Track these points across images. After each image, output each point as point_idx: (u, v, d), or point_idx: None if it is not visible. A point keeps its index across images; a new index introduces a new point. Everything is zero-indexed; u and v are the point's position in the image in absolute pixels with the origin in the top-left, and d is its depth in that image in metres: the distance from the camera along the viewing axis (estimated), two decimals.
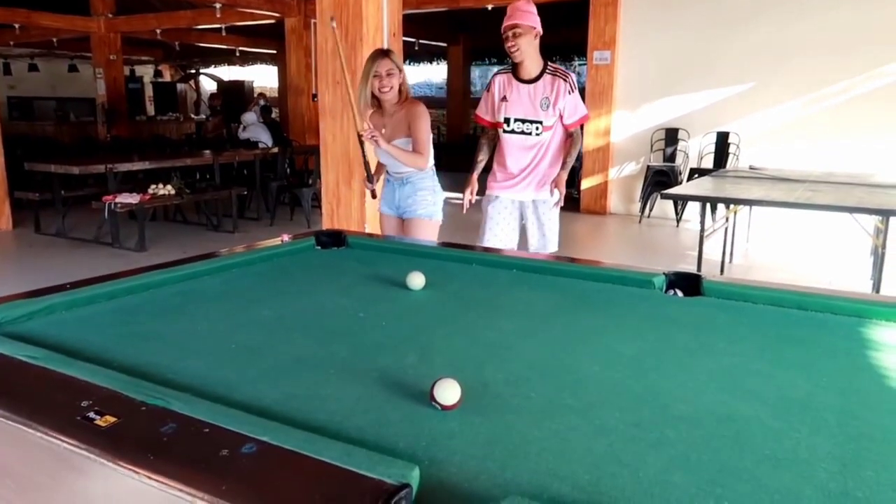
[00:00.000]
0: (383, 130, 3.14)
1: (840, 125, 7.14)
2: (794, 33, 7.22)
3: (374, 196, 3.36)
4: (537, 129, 3.27)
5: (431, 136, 3.20)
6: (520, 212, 3.41)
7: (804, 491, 0.87)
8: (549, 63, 3.27)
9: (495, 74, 3.39)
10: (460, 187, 3.39)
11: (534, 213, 3.37)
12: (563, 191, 3.23)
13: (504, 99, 3.31)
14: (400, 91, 3.15)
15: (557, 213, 3.41)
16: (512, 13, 3.13)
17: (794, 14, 7.18)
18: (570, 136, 3.32)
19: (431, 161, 3.22)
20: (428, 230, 3.26)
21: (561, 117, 3.26)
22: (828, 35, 7.06)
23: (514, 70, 3.28)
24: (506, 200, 3.39)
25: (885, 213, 3.69)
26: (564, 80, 3.21)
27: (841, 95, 7.15)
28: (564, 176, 3.25)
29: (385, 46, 3.94)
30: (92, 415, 1.01)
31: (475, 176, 3.39)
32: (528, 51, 3.15)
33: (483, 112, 3.44)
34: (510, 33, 3.12)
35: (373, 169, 3.35)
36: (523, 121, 3.28)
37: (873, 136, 6.98)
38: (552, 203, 3.31)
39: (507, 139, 3.34)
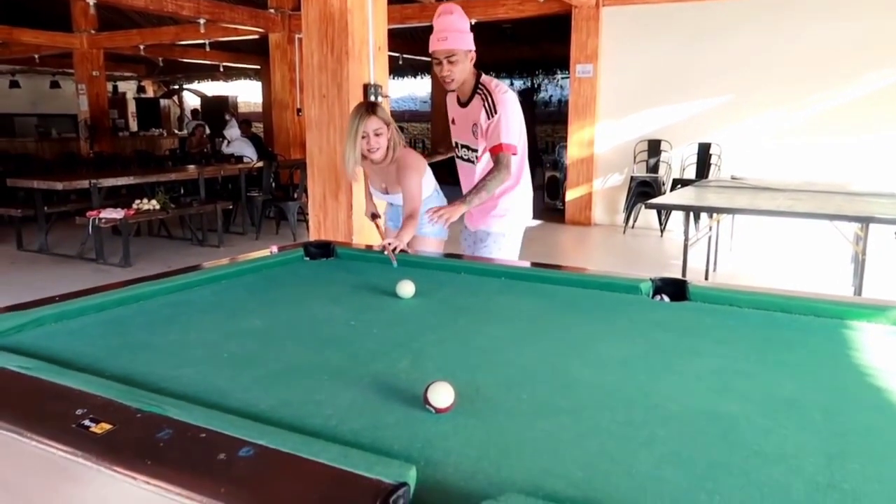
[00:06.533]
0: (383, 185, 2.95)
1: (819, 135, 7.27)
2: (772, 45, 7.36)
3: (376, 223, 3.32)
4: (474, 156, 2.83)
5: (422, 183, 2.83)
6: (475, 241, 2.96)
7: (793, 484, 0.89)
8: (482, 80, 2.74)
9: (448, 92, 2.90)
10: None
11: (478, 243, 2.91)
12: (444, 220, 2.49)
13: (453, 122, 2.95)
14: (390, 146, 2.79)
15: (501, 247, 2.86)
16: (444, 32, 2.61)
17: (773, 26, 7.32)
18: (495, 163, 2.65)
19: (429, 191, 2.98)
20: (433, 246, 3.09)
21: None
22: (806, 46, 7.20)
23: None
24: (466, 232, 3.03)
25: (863, 220, 3.76)
26: (485, 99, 2.68)
27: (819, 105, 7.28)
28: (459, 208, 2.53)
29: (371, 63, 3.95)
30: (87, 423, 1.01)
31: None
32: (462, 76, 2.68)
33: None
34: (445, 60, 2.62)
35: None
36: (466, 147, 2.89)
37: (851, 145, 7.12)
38: (496, 234, 2.84)
39: (458, 165, 2.98)
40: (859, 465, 0.95)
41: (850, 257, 5.45)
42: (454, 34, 2.62)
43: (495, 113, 2.65)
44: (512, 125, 2.67)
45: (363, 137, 2.71)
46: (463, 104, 2.82)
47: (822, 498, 0.86)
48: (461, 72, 2.66)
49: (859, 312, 1.65)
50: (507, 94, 2.69)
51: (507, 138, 2.64)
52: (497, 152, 2.64)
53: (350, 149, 2.73)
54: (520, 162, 2.83)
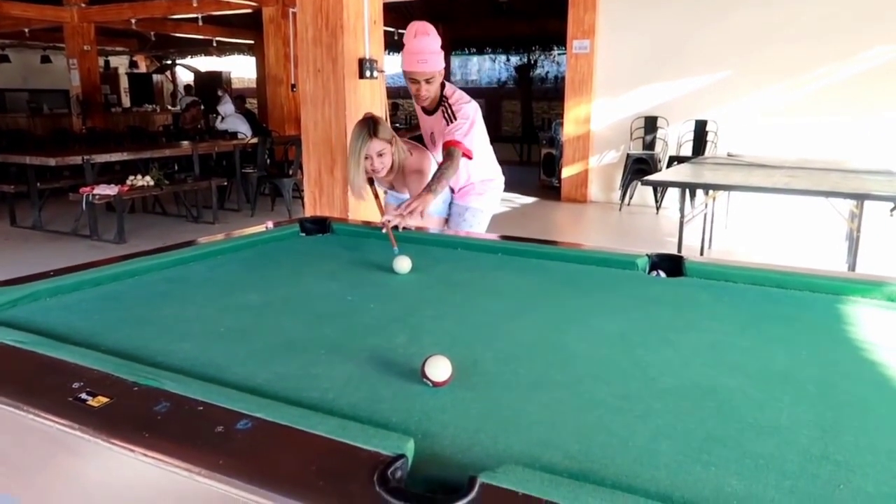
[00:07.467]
0: (388, 183, 3.02)
1: (816, 112, 7.24)
2: (769, 21, 7.29)
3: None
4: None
5: (429, 178, 2.83)
6: (455, 214, 3.19)
7: (787, 455, 0.90)
8: (445, 92, 2.89)
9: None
10: None
11: (458, 217, 3.15)
12: (414, 215, 2.46)
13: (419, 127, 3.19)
14: (394, 161, 2.80)
15: (480, 221, 3.14)
16: (423, 55, 2.72)
17: (772, 2, 7.26)
18: (446, 155, 2.79)
19: (433, 173, 2.94)
20: (433, 224, 3.14)
21: None
22: (803, 23, 7.15)
23: None
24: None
25: (859, 198, 3.76)
26: (446, 111, 2.86)
27: (816, 82, 7.25)
28: (427, 197, 2.56)
29: (366, 38, 3.90)
30: (84, 396, 1.01)
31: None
32: (436, 92, 2.86)
33: None
34: (423, 81, 2.77)
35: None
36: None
37: (848, 123, 7.09)
38: (474, 209, 3.11)
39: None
40: (852, 438, 0.96)
41: (845, 234, 5.46)
42: (432, 56, 2.75)
43: (454, 120, 2.85)
44: (467, 129, 2.83)
45: (366, 159, 2.71)
46: (429, 112, 2.99)
47: (815, 469, 0.87)
48: (436, 90, 2.85)
49: (854, 288, 1.65)
50: (467, 105, 2.88)
51: (460, 137, 2.81)
52: (448, 146, 2.81)
53: (354, 170, 2.72)
54: (490, 161, 3.15)
